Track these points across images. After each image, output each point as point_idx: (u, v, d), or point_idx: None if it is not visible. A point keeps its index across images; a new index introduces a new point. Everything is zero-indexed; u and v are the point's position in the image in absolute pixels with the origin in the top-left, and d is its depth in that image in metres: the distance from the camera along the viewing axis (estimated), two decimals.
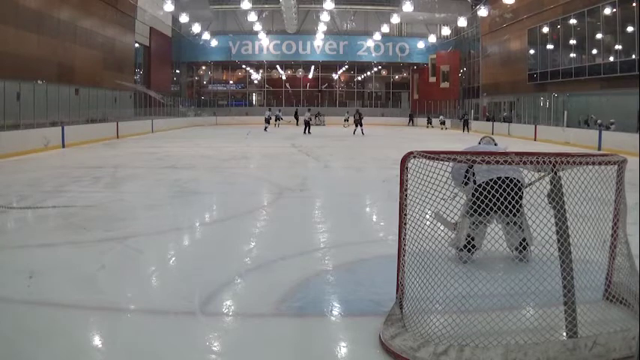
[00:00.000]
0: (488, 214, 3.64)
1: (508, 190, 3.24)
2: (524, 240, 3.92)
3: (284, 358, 2.78)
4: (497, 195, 3.18)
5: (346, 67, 42.96)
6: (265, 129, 27.64)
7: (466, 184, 4.04)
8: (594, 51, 21.55)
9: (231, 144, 18.74)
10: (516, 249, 3.94)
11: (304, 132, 25.59)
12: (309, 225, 5.93)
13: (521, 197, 3.76)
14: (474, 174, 3.97)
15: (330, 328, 3.19)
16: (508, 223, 3.82)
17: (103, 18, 24.19)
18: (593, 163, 3.05)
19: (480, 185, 3.45)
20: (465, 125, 29.22)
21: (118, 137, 20.54)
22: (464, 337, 2.73)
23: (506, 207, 3.23)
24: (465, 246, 3.95)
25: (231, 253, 4.73)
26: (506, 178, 3.52)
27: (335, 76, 43.71)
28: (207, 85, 43.39)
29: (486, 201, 3.23)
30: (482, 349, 2.59)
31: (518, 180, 3.73)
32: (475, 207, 3.76)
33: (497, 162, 2.94)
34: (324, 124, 35.31)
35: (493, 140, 4.90)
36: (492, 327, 2.77)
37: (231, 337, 3.05)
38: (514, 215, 3.53)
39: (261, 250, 4.89)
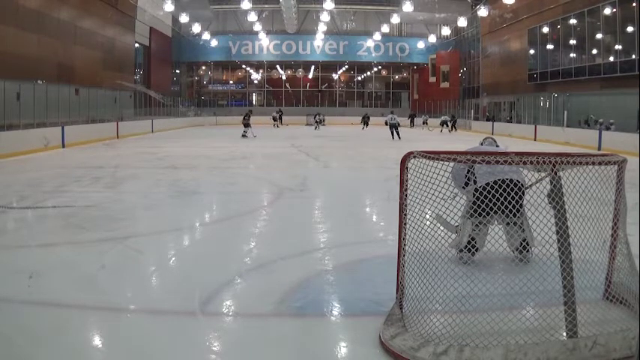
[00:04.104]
0: (488, 214, 3.64)
1: (508, 190, 3.24)
2: (524, 240, 3.93)
3: (284, 358, 2.78)
4: (498, 196, 3.18)
5: (346, 67, 42.96)
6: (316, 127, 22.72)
7: (466, 184, 4.04)
8: (594, 51, 21.56)
9: (231, 144, 18.73)
10: (517, 249, 3.94)
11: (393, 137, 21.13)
12: (309, 225, 5.92)
13: (522, 198, 3.77)
14: (474, 175, 3.96)
15: (330, 328, 3.19)
16: (509, 223, 3.83)
17: (103, 18, 24.20)
18: (593, 163, 3.05)
19: (481, 187, 3.46)
20: (453, 125, 29.69)
21: (118, 137, 20.54)
22: (464, 337, 2.73)
23: (507, 208, 3.23)
24: (466, 247, 3.95)
25: (231, 253, 4.73)
26: (508, 179, 3.53)
27: (335, 76, 43.72)
28: (207, 85, 43.41)
29: (488, 202, 3.23)
30: (482, 349, 2.59)
31: (518, 181, 3.74)
32: (476, 208, 3.76)
33: (497, 162, 2.94)
34: (323, 124, 35.30)
35: (495, 142, 4.90)
36: (492, 327, 2.77)
37: (231, 337, 3.05)
38: (514, 216, 3.54)
39: (261, 250, 4.89)
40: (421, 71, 41.43)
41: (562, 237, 2.83)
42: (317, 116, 33.10)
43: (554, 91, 24.15)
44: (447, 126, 30.12)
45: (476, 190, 3.70)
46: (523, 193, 3.79)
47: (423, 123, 32.74)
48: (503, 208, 3.19)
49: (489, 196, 3.19)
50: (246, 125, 22.02)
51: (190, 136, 24.10)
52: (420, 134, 27.27)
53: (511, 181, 3.52)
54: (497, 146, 4.78)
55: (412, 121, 34.52)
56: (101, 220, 5.96)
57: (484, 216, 3.78)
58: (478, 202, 3.59)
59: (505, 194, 3.19)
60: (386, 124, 22.23)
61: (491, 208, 3.23)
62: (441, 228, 3.77)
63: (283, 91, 43.19)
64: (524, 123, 25.77)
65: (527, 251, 3.95)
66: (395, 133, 21.28)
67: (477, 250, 3.93)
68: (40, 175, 9.78)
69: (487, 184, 3.39)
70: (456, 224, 3.99)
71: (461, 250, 3.99)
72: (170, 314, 3.30)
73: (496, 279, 3.06)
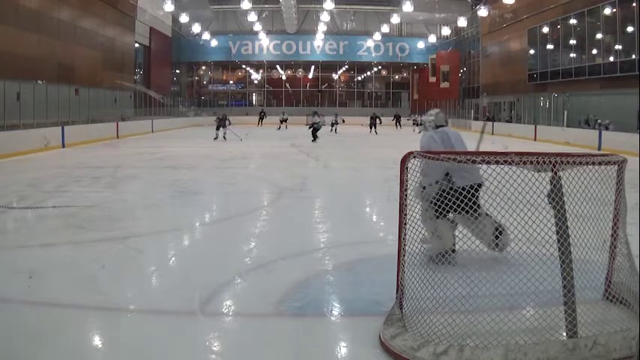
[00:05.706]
0: (456, 211, 3.58)
1: (477, 194, 3.38)
2: (497, 229, 3.86)
3: (284, 358, 2.78)
4: (475, 199, 3.31)
5: (346, 67, 42.94)
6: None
7: (429, 185, 3.91)
8: (594, 51, 21.55)
9: (231, 144, 18.73)
10: (492, 241, 3.91)
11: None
12: (309, 225, 5.92)
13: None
14: (451, 176, 3.87)
15: (330, 328, 3.19)
16: (475, 218, 3.76)
17: (103, 18, 24.20)
18: (593, 163, 3.05)
19: (463, 188, 3.46)
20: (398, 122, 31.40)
21: (118, 137, 20.53)
22: (464, 337, 2.74)
23: (472, 208, 3.30)
24: (452, 248, 3.94)
25: (231, 253, 4.74)
26: (477, 184, 3.63)
27: (335, 76, 43.71)
28: (207, 85, 43.38)
29: (470, 203, 3.28)
30: (483, 349, 2.59)
31: (482, 183, 3.74)
32: (442, 207, 3.65)
33: (498, 162, 2.95)
34: (323, 124, 35.22)
35: (445, 117, 4.46)
36: (492, 327, 2.77)
37: (231, 337, 3.05)
38: (475, 211, 3.47)
39: (261, 250, 4.89)
40: (421, 71, 41.39)
41: (562, 237, 2.83)
42: (337, 117, 27.97)
43: (554, 91, 24.14)
44: (418, 125, 28.88)
45: (456, 191, 3.60)
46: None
47: (413, 123, 32.39)
48: (467, 208, 3.28)
49: (464, 199, 3.29)
50: (218, 128, 20.54)
51: (190, 136, 24.09)
52: (415, 135, 27.21)
53: (479, 185, 3.64)
54: (445, 122, 4.41)
55: (397, 122, 33.96)
56: (101, 220, 5.96)
57: (452, 214, 3.81)
58: (458, 202, 3.45)
59: (474, 198, 3.30)
60: (311, 126, 20.06)
61: (463, 209, 3.32)
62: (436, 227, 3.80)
63: (283, 91, 43.16)
64: (524, 123, 25.77)
65: (503, 236, 3.91)
66: (316, 136, 19.95)
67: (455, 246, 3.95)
68: (40, 175, 9.78)
69: (463, 188, 3.46)
70: (431, 230, 3.95)
71: (447, 252, 3.87)
72: (170, 314, 3.31)
73: (496, 279, 3.06)
